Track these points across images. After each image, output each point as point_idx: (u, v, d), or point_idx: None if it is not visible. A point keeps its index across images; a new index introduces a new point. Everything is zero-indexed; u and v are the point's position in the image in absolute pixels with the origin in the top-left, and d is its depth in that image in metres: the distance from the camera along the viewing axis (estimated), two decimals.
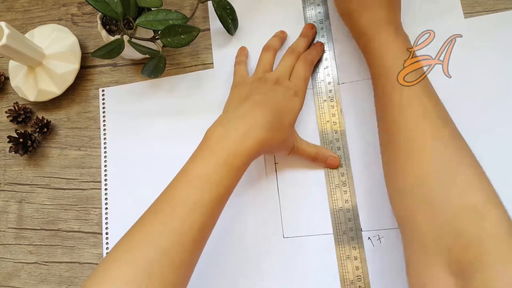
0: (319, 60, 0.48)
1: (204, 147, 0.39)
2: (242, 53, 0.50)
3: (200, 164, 0.37)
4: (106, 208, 0.51)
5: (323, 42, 0.49)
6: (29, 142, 0.53)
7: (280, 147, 0.42)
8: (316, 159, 0.45)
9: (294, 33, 0.50)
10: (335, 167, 0.45)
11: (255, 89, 0.43)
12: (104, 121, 0.53)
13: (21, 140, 0.52)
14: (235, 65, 0.49)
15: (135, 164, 0.51)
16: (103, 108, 0.54)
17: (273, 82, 0.44)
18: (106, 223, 0.51)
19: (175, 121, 0.51)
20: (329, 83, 0.48)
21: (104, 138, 0.53)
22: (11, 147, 0.53)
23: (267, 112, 0.40)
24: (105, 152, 0.53)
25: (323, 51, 0.48)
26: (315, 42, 0.49)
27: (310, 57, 0.47)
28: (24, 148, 0.53)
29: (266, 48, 0.48)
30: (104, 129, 0.53)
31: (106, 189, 0.51)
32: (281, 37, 0.49)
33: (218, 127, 0.39)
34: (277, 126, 0.40)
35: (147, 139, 0.51)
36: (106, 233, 0.50)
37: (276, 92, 0.43)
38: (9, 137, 0.53)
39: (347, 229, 0.44)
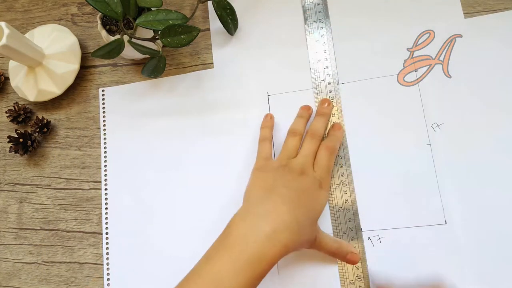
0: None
1: (222, 245, 0.34)
2: (267, 124, 0.47)
3: (216, 266, 0.33)
4: (106, 208, 0.51)
5: (324, 42, 0.49)
6: (29, 142, 0.53)
7: (304, 245, 0.39)
8: (335, 255, 0.42)
9: (294, 34, 0.50)
10: (354, 263, 0.43)
11: (280, 179, 0.40)
12: (104, 121, 0.53)
13: (21, 140, 0.52)
14: (259, 141, 0.46)
15: (135, 164, 0.51)
16: (103, 108, 0.54)
17: (299, 172, 0.41)
18: (106, 223, 0.51)
19: (175, 121, 0.51)
20: (329, 83, 0.48)
21: (104, 138, 0.53)
22: (11, 147, 0.53)
23: (296, 210, 0.37)
24: (105, 152, 0.53)
25: (343, 135, 0.46)
26: (333, 123, 0.46)
27: (332, 144, 0.44)
28: (24, 148, 0.53)
29: (291, 133, 0.45)
30: (104, 129, 0.53)
31: (106, 189, 0.51)
32: (306, 117, 0.46)
33: (241, 222, 0.35)
34: (305, 225, 0.37)
35: (147, 139, 0.51)
36: (106, 233, 0.50)
37: (302, 184, 0.40)
38: (9, 137, 0.53)
39: (347, 229, 0.44)
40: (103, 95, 0.54)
